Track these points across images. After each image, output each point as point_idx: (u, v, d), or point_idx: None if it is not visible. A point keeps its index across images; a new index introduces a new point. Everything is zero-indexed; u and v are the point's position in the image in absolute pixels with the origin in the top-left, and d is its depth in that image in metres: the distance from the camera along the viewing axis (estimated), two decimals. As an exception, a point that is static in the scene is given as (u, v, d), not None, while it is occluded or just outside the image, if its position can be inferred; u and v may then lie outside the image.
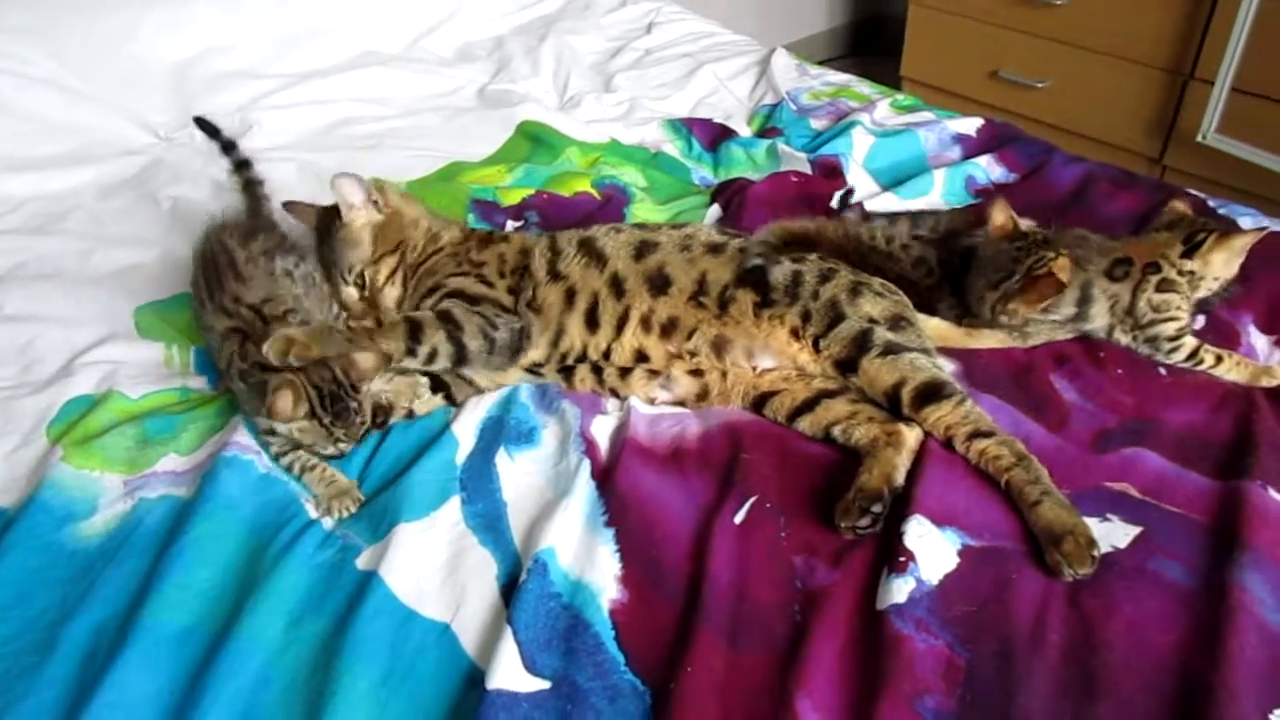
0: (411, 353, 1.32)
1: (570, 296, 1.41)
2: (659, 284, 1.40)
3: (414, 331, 1.32)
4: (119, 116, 2.02)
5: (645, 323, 1.39)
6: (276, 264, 1.44)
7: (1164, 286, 1.43)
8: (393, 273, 1.48)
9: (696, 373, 1.38)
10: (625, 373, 1.39)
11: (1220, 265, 1.43)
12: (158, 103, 2.06)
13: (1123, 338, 1.47)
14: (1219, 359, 1.43)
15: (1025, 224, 1.50)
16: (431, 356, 1.33)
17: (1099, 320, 1.47)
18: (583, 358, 1.40)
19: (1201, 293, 1.46)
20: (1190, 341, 1.44)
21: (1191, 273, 1.43)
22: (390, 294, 1.48)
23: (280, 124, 2.06)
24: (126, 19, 2.09)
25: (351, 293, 1.49)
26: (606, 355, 1.39)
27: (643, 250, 1.44)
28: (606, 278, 1.41)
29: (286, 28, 2.26)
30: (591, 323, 1.40)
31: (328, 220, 1.51)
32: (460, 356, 1.34)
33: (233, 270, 1.41)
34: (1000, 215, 1.48)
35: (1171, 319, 1.43)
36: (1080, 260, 1.46)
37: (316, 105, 2.14)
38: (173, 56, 2.11)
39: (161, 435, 1.31)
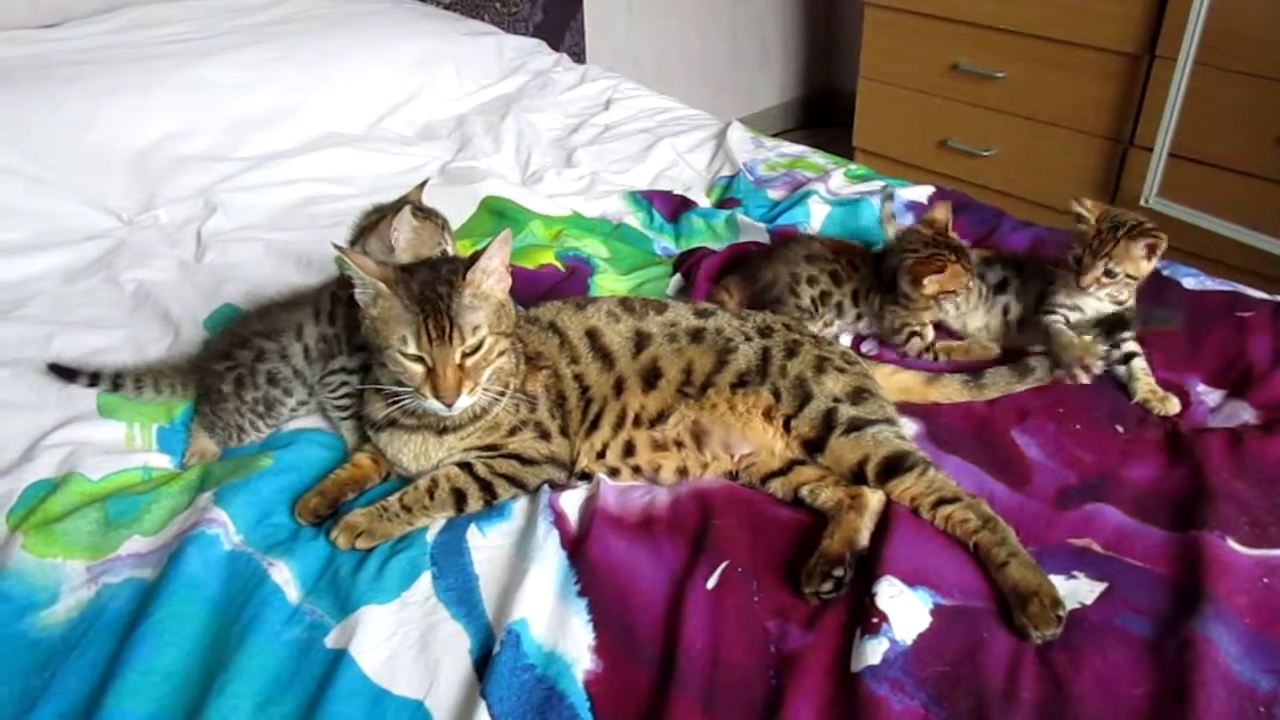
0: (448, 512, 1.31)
1: (586, 407, 1.40)
2: (651, 379, 1.41)
3: (459, 501, 1.30)
4: (81, 202, 2.01)
5: (636, 419, 1.39)
6: (261, 365, 1.43)
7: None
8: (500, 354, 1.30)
9: (682, 470, 1.39)
10: (614, 473, 1.38)
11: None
12: (120, 187, 2.06)
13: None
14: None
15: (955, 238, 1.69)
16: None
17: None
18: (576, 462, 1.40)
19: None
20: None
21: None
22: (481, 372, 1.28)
23: (245, 205, 2.07)
24: (88, 107, 2.09)
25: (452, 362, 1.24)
26: (601, 455, 1.39)
27: (640, 344, 1.43)
28: (612, 380, 1.41)
29: (248, 112, 2.28)
30: (594, 425, 1.40)
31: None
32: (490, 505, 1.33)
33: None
34: (940, 211, 1.68)
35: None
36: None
37: (280, 186, 2.16)
38: (135, 142, 2.12)
39: (125, 517, 1.29)
